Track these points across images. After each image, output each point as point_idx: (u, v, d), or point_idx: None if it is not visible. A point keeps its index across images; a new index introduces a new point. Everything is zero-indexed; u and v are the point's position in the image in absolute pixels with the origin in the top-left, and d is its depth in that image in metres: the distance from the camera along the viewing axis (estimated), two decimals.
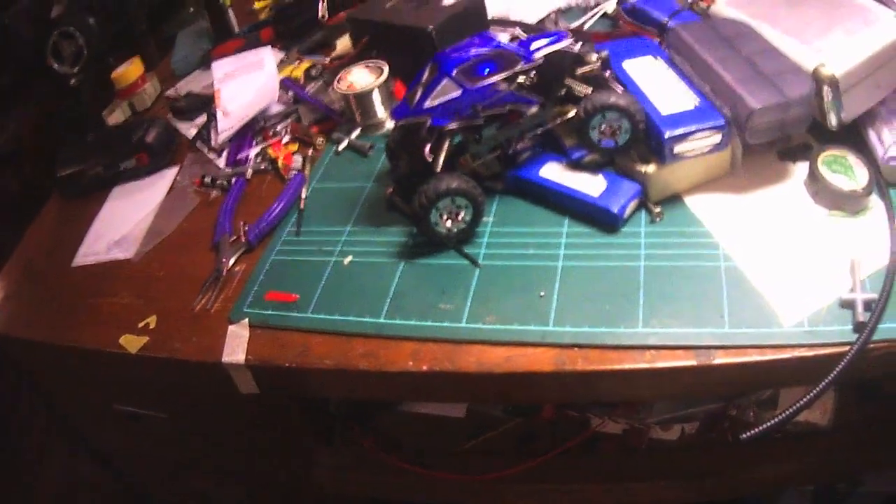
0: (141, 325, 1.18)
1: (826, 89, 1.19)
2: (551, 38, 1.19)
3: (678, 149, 1.15)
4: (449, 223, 1.16)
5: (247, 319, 1.14)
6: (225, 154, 1.46)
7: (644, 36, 1.43)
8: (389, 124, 1.41)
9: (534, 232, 1.18)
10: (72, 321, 1.23)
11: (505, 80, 1.15)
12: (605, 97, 1.15)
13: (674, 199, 1.21)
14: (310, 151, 1.40)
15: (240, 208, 1.32)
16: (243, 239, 1.24)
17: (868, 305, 1.00)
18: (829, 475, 1.40)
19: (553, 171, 1.22)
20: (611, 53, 1.28)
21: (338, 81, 1.39)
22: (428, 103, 1.13)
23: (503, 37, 1.20)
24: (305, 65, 1.59)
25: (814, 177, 1.21)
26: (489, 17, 1.57)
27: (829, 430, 1.29)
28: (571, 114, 1.20)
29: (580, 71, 1.21)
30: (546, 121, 1.22)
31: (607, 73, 1.22)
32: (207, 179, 1.40)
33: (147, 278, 1.26)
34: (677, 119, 1.16)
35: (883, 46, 1.22)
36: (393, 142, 1.22)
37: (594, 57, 1.21)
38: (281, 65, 1.62)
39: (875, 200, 1.17)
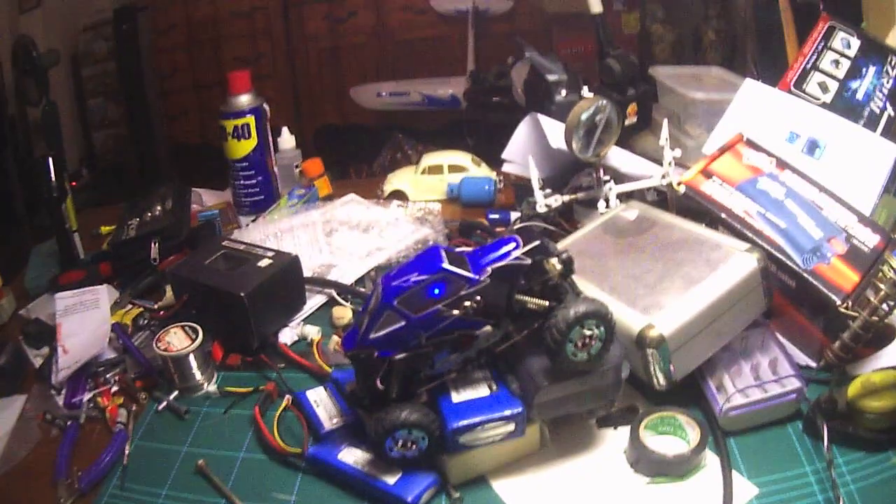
0: None
1: (651, 352, 1.18)
2: (501, 252, 1.13)
3: (465, 439, 1.14)
4: (403, 450, 1.15)
5: None
6: (63, 393, 1.48)
7: None
8: (207, 387, 1.45)
9: None
10: None
11: (449, 304, 1.11)
12: (571, 311, 1.09)
13: (478, 480, 1.20)
14: (134, 406, 1.43)
15: (75, 452, 1.34)
16: (76, 486, 1.26)
17: None
18: None
19: (351, 456, 1.22)
20: None
21: (157, 341, 1.43)
22: (373, 335, 1.11)
23: (446, 255, 1.13)
24: (135, 312, 1.65)
25: (635, 444, 1.19)
26: (307, 275, 1.63)
27: None
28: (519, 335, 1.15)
29: (537, 281, 1.14)
30: (501, 341, 1.17)
31: (569, 278, 1.16)
32: (48, 416, 1.42)
33: (5, 500, 1.29)
34: (467, 408, 1.15)
35: (727, 290, 1.24)
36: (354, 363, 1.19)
37: (554, 261, 1.13)
38: (115, 306, 1.67)
39: (707, 457, 1.18)
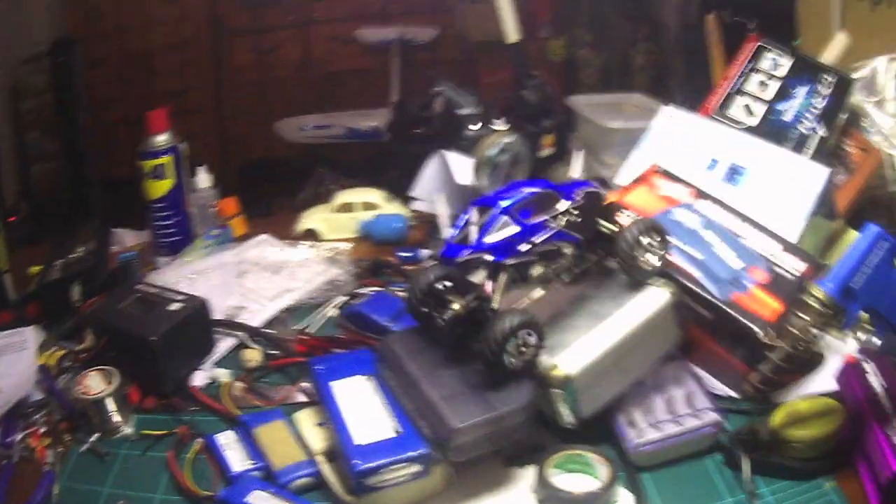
0: None
1: (556, 392, 1.20)
2: (584, 185, 1.35)
3: (372, 481, 1.14)
4: (516, 357, 1.18)
5: None
6: None
7: (363, 349, 1.46)
8: (125, 430, 1.46)
9: None
10: None
11: (553, 217, 1.27)
12: (638, 226, 1.29)
13: None
14: (59, 448, 1.43)
15: (11, 491, 1.35)
16: None
17: None
18: None
19: (260, 500, 1.21)
20: (320, 373, 1.33)
21: (76, 385, 1.45)
22: (487, 240, 1.22)
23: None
24: (59, 353, 1.63)
25: (542, 483, 1.18)
26: (219, 317, 1.64)
27: None
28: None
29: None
30: (585, 257, 1.35)
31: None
32: None
33: None
34: (372, 450, 1.16)
35: (636, 325, 1.25)
36: (428, 288, 1.25)
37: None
38: (41, 348, 1.65)
39: (621, 494, 1.18)
